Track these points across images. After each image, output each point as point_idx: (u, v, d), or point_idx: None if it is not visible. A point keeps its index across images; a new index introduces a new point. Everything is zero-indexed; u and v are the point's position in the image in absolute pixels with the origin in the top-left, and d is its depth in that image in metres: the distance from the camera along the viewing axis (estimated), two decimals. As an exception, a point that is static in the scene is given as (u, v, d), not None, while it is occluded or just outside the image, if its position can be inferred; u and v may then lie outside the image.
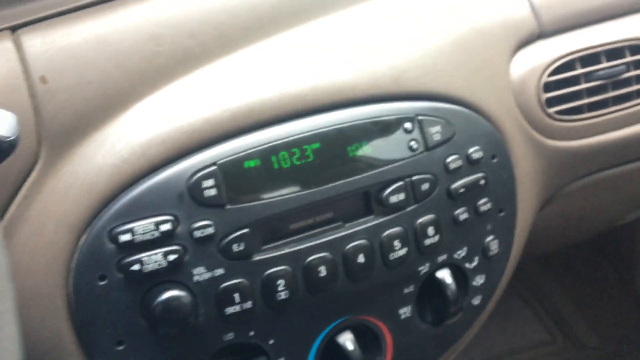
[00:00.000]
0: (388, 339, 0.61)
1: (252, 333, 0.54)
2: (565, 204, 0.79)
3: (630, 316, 1.47)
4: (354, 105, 0.58)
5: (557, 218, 0.82)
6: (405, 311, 0.61)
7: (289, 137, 0.55)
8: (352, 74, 0.58)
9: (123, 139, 0.52)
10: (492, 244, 0.64)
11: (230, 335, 0.53)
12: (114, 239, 0.50)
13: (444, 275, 0.61)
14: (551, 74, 0.68)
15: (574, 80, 0.69)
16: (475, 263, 0.63)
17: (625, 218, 1.01)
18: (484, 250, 0.64)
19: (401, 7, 0.64)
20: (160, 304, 0.50)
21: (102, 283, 0.50)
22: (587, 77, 0.69)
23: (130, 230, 0.50)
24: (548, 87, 0.68)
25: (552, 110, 0.68)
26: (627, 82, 0.71)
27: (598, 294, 1.53)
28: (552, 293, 1.54)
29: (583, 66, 0.69)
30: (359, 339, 0.59)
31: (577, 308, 1.53)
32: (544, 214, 0.75)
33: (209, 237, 0.52)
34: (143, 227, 0.50)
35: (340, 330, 0.59)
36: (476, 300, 0.64)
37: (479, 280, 0.64)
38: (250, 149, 0.54)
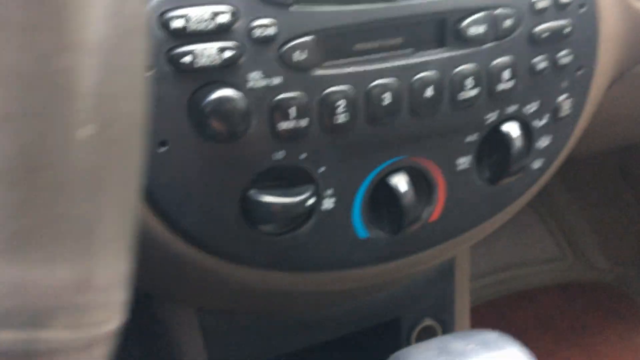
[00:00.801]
0: (441, 188, 0.56)
1: (303, 156, 0.49)
2: (630, 88, 0.73)
3: (643, 241, 1.46)
4: None
5: (617, 105, 0.76)
6: (464, 161, 0.56)
7: None
8: None
9: None
10: (565, 103, 0.58)
11: (280, 154, 0.48)
12: (165, 23, 0.44)
13: (511, 128, 0.56)
14: None
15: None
16: (544, 121, 0.58)
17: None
18: (555, 109, 0.58)
19: None
20: (211, 103, 0.44)
21: (149, 73, 0.44)
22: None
23: (184, 17, 0.44)
24: (648, -61, 0.61)
25: (648, -33, 0.61)
26: None
27: (614, 215, 1.51)
28: (568, 210, 1.51)
29: None
30: (411, 183, 0.54)
31: (591, 228, 1.51)
32: (605, 98, 0.69)
33: (269, 39, 0.46)
34: (199, 14, 0.44)
35: (393, 171, 0.54)
36: (537, 163, 0.59)
37: (544, 141, 0.59)
38: None
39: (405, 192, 0.53)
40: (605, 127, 0.84)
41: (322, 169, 0.50)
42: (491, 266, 1.46)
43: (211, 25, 0.44)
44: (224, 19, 0.44)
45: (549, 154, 0.60)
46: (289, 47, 0.46)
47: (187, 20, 0.44)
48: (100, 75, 0.25)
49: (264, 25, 0.46)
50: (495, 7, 0.52)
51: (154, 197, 0.46)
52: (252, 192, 0.49)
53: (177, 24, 0.44)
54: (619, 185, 1.50)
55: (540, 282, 1.47)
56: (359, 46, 0.50)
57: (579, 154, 0.72)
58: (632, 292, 1.43)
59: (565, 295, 1.43)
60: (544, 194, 1.52)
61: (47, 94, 0.23)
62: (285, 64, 0.47)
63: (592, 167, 1.46)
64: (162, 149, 0.45)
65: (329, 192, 0.51)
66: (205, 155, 0.46)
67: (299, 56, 0.47)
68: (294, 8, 0.46)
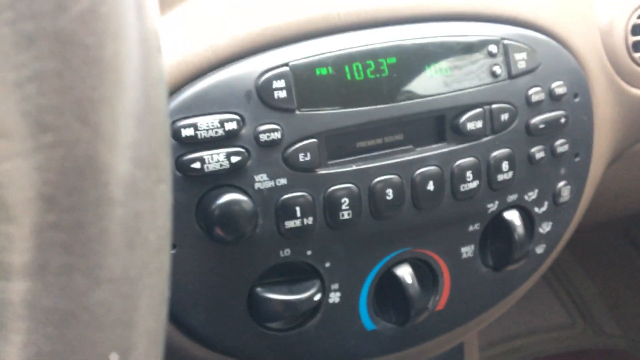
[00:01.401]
0: (446, 277, 0.57)
1: (309, 252, 0.50)
2: (630, 166, 0.74)
3: (656, 305, 1.44)
4: (435, 21, 0.53)
5: (617, 182, 0.77)
6: (467, 250, 0.57)
7: (365, 47, 0.50)
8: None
9: (190, 28, 0.48)
10: (564, 189, 0.59)
11: (287, 252, 0.49)
12: (175, 133, 0.46)
13: (513, 216, 0.57)
14: (641, 16, 0.63)
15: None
16: (544, 208, 0.59)
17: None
18: (555, 196, 0.59)
19: None
20: (219, 207, 0.46)
21: None
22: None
23: (194, 125, 0.46)
24: (636, 30, 0.63)
25: (638, 55, 0.63)
26: None
27: (622, 280, 1.50)
28: (576, 276, 1.51)
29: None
30: (415, 274, 0.54)
31: (600, 293, 1.50)
32: (605, 176, 0.71)
33: (274, 143, 0.48)
34: (207, 123, 0.46)
35: (398, 262, 0.55)
36: (540, 249, 0.60)
37: (545, 228, 0.60)
38: (323, 54, 0.49)
39: (411, 283, 0.54)
40: (609, 200, 0.85)
41: (328, 264, 0.51)
42: (501, 335, 1.44)
43: (220, 133, 0.46)
44: (231, 126, 0.46)
45: (551, 238, 0.61)
46: (294, 150, 0.48)
47: (197, 129, 0.46)
48: None
49: (270, 130, 0.47)
50: (492, 103, 0.54)
51: None
52: (258, 289, 0.49)
53: (187, 132, 0.46)
54: (626, 250, 1.50)
55: (551, 350, 1.45)
56: (361, 144, 0.51)
57: (585, 224, 0.72)
58: (646, 358, 1.41)
59: (578, 363, 1.41)
60: (552, 263, 1.52)
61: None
62: (290, 165, 0.48)
63: (598, 233, 1.46)
64: (172, 251, 0.47)
65: (335, 286, 0.52)
66: (213, 256, 0.48)
67: (303, 157, 0.48)
68: (297, 112, 0.48)
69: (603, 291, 1.49)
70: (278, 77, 0.48)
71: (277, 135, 0.48)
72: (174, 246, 0.47)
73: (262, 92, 0.47)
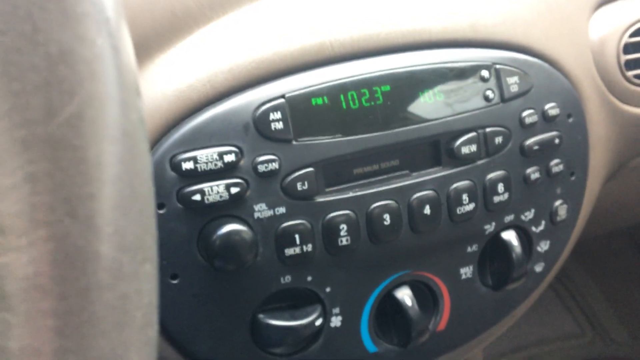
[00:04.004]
0: (446, 298, 0.57)
1: (309, 278, 0.51)
2: (629, 181, 0.75)
3: (665, 313, 1.44)
4: (428, 48, 0.55)
5: (618, 196, 0.78)
6: (466, 271, 0.58)
7: (359, 76, 0.52)
8: (428, 16, 0.55)
9: (189, 64, 0.49)
10: (561, 208, 0.60)
11: (287, 278, 0.51)
12: (175, 166, 0.47)
13: (510, 236, 0.58)
14: (632, 35, 0.64)
15: (655, 44, 0.65)
16: (541, 227, 0.60)
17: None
18: (552, 215, 0.60)
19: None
20: (219, 238, 0.47)
21: (161, 212, 0.47)
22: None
23: (193, 159, 0.47)
24: (628, 48, 0.64)
25: (630, 73, 0.64)
26: None
27: (631, 289, 1.50)
28: (584, 285, 1.51)
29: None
30: (415, 295, 0.55)
31: (609, 302, 1.50)
32: (604, 191, 0.72)
33: (272, 173, 0.49)
34: (206, 156, 0.47)
35: (397, 285, 0.56)
36: (539, 267, 0.61)
37: (543, 246, 0.61)
38: (318, 85, 0.50)
39: (411, 305, 0.54)
40: (609, 214, 0.86)
41: (328, 289, 0.52)
42: (510, 345, 1.44)
43: (219, 165, 0.47)
44: (230, 158, 0.48)
45: (549, 256, 0.61)
46: (292, 179, 0.49)
47: (196, 162, 0.47)
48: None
49: (268, 160, 0.49)
50: (485, 127, 0.55)
51: (166, 327, 0.49)
52: (261, 316, 0.51)
53: (187, 165, 0.47)
54: (633, 258, 1.49)
55: (561, 359, 1.45)
56: (358, 170, 0.53)
57: (590, 234, 0.73)
58: (656, 366, 1.41)
59: (588, 372, 1.41)
60: (559, 271, 1.52)
61: None
62: (288, 194, 0.49)
63: (605, 241, 1.46)
64: (174, 282, 0.48)
65: (336, 310, 0.53)
66: (215, 284, 0.49)
67: (301, 186, 0.50)
68: (294, 143, 0.50)
69: (611, 299, 1.49)
70: (275, 109, 0.49)
71: (275, 165, 0.49)
72: (176, 276, 0.48)
73: (260, 124, 0.49)
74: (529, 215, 0.59)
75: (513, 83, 0.56)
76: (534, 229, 0.59)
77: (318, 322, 0.52)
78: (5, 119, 0.24)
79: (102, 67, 0.26)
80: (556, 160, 0.59)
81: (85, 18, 0.25)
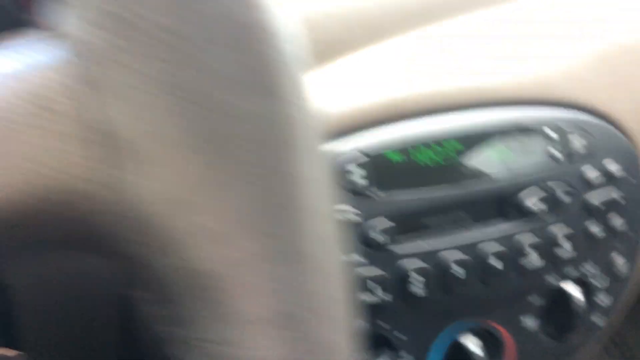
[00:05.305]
0: (511, 348, 0.59)
1: (380, 323, 0.54)
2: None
3: None
4: (495, 106, 0.58)
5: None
6: (529, 321, 0.60)
7: (430, 132, 0.55)
8: (496, 76, 0.58)
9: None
10: (622, 264, 0.62)
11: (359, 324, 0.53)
12: None
13: (574, 290, 0.60)
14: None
15: None
16: (603, 281, 0.62)
17: None
18: (613, 270, 0.62)
19: (547, 16, 0.64)
20: None
21: None
22: None
23: None
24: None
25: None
26: None
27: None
28: (635, 344, 1.48)
29: None
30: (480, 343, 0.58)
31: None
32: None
33: (348, 222, 0.52)
34: None
35: (465, 334, 0.58)
36: (599, 320, 0.63)
37: (604, 300, 0.62)
38: (393, 140, 0.54)
39: (479, 355, 0.56)
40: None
41: (397, 333, 0.55)
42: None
43: None
44: None
45: (609, 309, 0.63)
46: (366, 228, 0.53)
47: None
48: None
49: (346, 211, 0.52)
50: (547, 180, 0.58)
51: None
52: None
53: None
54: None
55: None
56: (425, 220, 0.56)
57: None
58: None
59: None
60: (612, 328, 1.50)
61: None
62: (364, 244, 0.52)
63: None
64: None
65: (403, 353, 0.56)
66: None
67: (374, 235, 0.53)
68: (370, 195, 0.53)
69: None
70: (352, 161, 0.52)
71: (351, 216, 0.52)
72: None
73: (337, 175, 0.52)
74: (591, 269, 0.61)
75: (576, 142, 0.59)
76: (595, 282, 0.61)
77: (387, 366, 0.54)
78: None
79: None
80: (619, 218, 0.61)
81: None
